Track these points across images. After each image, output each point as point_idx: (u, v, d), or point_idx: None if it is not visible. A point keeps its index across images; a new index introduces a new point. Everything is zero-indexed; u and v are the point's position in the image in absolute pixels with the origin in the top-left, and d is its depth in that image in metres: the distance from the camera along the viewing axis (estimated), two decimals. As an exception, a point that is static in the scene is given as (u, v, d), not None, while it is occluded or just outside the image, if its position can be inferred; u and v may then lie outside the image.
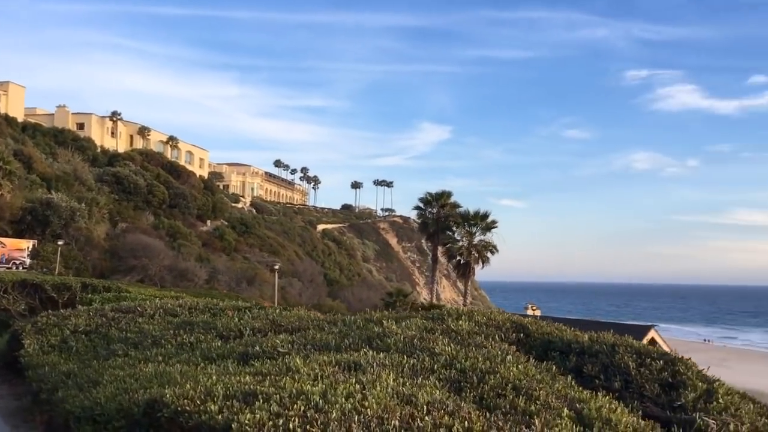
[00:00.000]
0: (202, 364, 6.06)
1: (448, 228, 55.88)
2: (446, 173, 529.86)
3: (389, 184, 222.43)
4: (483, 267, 54.55)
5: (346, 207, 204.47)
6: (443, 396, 4.25)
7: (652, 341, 28.89)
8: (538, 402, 4.54)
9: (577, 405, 4.64)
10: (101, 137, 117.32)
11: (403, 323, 7.16)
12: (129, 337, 7.78)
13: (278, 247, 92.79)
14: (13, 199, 60.05)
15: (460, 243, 53.43)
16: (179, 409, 3.81)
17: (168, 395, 4.04)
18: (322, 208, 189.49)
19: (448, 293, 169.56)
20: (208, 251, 74.52)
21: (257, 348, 6.44)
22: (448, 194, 57.72)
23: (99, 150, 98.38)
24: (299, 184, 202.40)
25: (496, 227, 53.06)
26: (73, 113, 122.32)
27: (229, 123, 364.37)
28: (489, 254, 53.18)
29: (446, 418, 3.66)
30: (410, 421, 3.54)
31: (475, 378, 4.93)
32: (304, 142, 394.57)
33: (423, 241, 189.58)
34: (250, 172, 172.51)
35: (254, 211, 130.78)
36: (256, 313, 9.07)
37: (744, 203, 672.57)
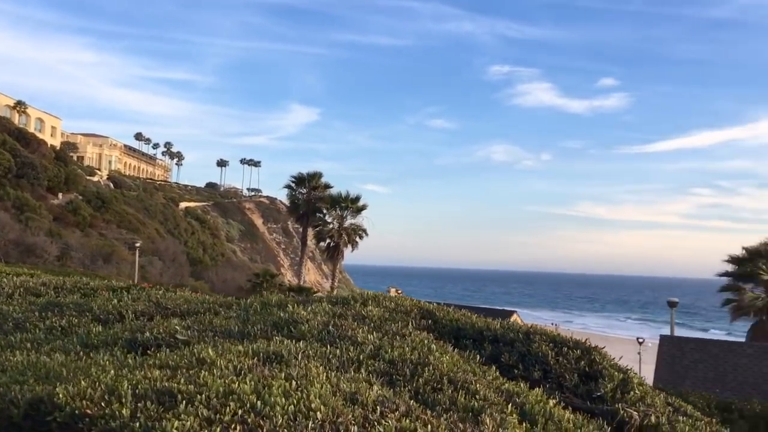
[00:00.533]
0: (82, 353, 5.22)
1: (318, 210, 55.42)
2: (313, 155, 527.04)
3: (256, 164, 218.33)
4: (352, 250, 54.65)
5: (211, 185, 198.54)
6: (385, 392, 3.80)
7: (517, 326, 30.27)
8: (477, 397, 4.21)
9: (516, 399, 4.37)
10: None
11: (309, 308, 6.62)
12: (-18, 320, 6.66)
13: (138, 224, 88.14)
14: None
15: (331, 225, 53.15)
16: (77, 412, 3.06)
17: (60, 394, 3.26)
18: (186, 186, 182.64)
19: (312, 276, 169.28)
20: (60, 226, 69.35)
21: (147, 334, 5.65)
22: (320, 175, 57.23)
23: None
24: (161, 160, 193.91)
25: (366, 212, 53.27)
26: None
27: (86, 91, 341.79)
28: (358, 238, 53.31)
29: (406, 421, 3.21)
30: (366, 426, 3.05)
31: (407, 370, 4.52)
32: (168, 116, 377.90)
33: (290, 222, 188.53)
34: (108, 144, 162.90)
35: (112, 185, 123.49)
36: (137, 294, 8.13)
37: (589, 197, 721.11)
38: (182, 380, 3.53)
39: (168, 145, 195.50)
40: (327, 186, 56.30)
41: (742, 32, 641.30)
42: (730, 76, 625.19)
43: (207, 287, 63.36)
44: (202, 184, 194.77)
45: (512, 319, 30.39)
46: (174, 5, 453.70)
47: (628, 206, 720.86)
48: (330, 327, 5.60)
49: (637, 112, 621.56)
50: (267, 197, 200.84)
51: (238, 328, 5.75)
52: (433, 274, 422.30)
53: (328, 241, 52.95)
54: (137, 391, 3.32)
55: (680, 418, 5.95)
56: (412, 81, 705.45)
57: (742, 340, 41.19)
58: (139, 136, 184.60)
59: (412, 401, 3.76)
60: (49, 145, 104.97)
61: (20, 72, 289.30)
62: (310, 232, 56.08)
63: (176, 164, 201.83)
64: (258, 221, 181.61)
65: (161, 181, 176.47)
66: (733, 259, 39.00)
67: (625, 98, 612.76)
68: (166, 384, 3.42)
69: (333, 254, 52.82)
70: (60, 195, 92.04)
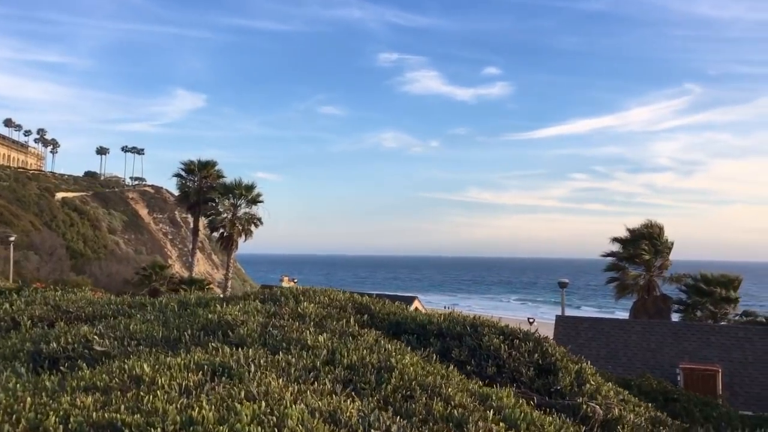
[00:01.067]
0: (-25, 372, 4.34)
1: (210, 199, 53.52)
2: (201, 143, 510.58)
3: (140, 151, 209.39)
4: (245, 240, 53.22)
5: (90, 174, 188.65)
6: (365, 408, 3.28)
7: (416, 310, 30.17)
8: (453, 404, 3.78)
9: (493, 404, 3.97)
10: None
11: (238, 306, 5.95)
12: None
13: (10, 216, 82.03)
14: None
15: (224, 215, 51.47)
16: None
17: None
18: (62, 175, 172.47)
19: (202, 266, 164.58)
20: None
21: (54, 345, 4.81)
22: (213, 164, 55.30)
23: None
24: (34, 147, 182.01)
25: (261, 201, 51.96)
26: None
27: None
28: (252, 227, 51.97)
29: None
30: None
31: (371, 377, 4.01)
32: (41, 101, 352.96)
33: (177, 212, 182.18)
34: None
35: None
36: (30, 296, 7.08)
37: (476, 182, 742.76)
38: (123, 408, 2.84)
39: (41, 131, 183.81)
40: (220, 175, 54.42)
41: (615, 24, 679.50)
42: (604, 66, 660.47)
43: (90, 282, 59.86)
44: (80, 173, 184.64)
45: (414, 306, 30.54)
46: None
47: (512, 191, 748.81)
48: (270, 329, 4.98)
49: (520, 101, 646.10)
50: (152, 186, 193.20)
51: (162, 333, 5.01)
52: (322, 262, 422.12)
53: (221, 230, 51.20)
54: (69, 426, 2.61)
55: (630, 407, 5.83)
56: (302, 67, 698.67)
57: (616, 317, 43.57)
58: (8, 123, 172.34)
59: (392, 415, 3.27)
60: None
61: None
62: (202, 222, 54.11)
63: (51, 152, 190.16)
64: (143, 211, 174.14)
65: (34, 170, 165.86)
66: (617, 240, 40.93)
67: (508, 87, 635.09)
68: (106, 415, 2.72)
69: (227, 244, 51.13)
70: None
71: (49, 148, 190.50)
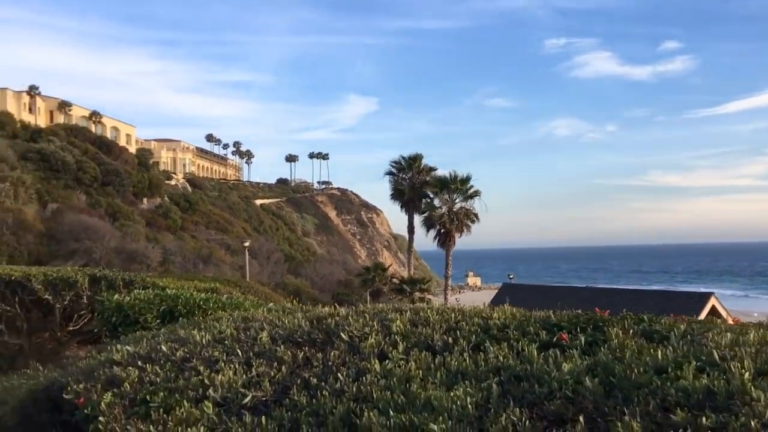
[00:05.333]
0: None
1: (424, 195, 51.91)
2: (374, 145, 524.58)
3: (324, 156, 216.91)
4: (460, 236, 50.89)
5: (282, 181, 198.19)
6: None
7: (714, 312, 25.58)
8: None
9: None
10: (18, 113, 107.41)
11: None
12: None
13: (225, 224, 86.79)
14: (-74, 180, 52.40)
15: (440, 210, 49.44)
16: None
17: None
18: (258, 183, 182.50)
19: (388, 264, 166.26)
20: (153, 231, 68.20)
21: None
22: (420, 158, 53.79)
23: (18, 125, 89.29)
24: (232, 159, 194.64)
25: (478, 195, 49.20)
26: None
27: (153, 99, 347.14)
28: (470, 222, 49.47)
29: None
30: None
31: None
32: (231, 118, 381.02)
33: (363, 212, 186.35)
34: (181, 148, 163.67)
35: (189, 187, 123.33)
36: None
37: (658, 165, 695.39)
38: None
39: (237, 144, 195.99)
40: (431, 169, 52.69)
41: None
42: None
43: (307, 284, 60.89)
44: (273, 181, 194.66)
45: (708, 306, 25.53)
46: (227, 8, 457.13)
47: (700, 171, 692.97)
48: None
49: (704, 74, 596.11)
50: (338, 189, 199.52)
51: None
52: (499, 256, 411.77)
53: (438, 227, 49.20)
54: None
55: None
56: (467, 62, 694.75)
57: None
58: (210, 138, 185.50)
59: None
60: (130, 151, 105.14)
61: (90, 85, 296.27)
62: (419, 219, 52.53)
63: (246, 163, 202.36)
64: (332, 213, 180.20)
65: (234, 180, 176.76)
66: None
67: (690, 61, 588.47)
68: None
69: (444, 241, 49.06)
70: (145, 200, 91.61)
71: (245, 159, 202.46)
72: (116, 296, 8.81)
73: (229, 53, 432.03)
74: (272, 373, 3.75)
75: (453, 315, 4.43)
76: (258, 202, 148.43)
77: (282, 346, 4.10)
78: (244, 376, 3.72)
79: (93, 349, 12.18)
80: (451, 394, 3.14)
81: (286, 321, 4.64)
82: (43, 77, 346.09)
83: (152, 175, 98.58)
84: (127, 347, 4.56)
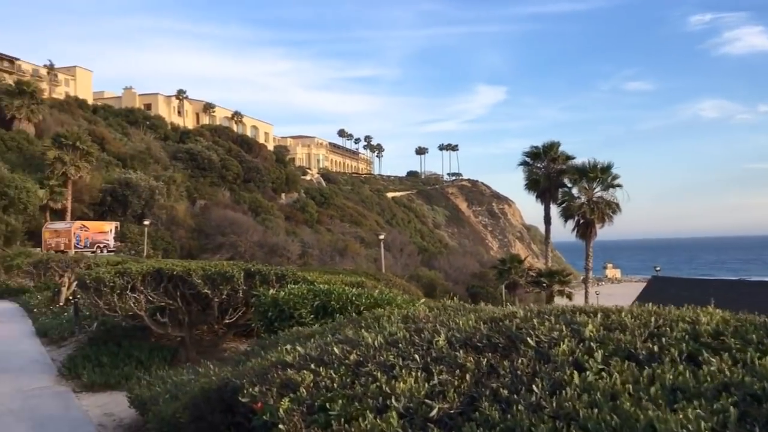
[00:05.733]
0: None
1: (561, 184, 50.09)
2: (503, 135, 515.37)
3: (454, 148, 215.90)
4: (602, 226, 48.67)
5: (412, 174, 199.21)
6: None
7: None
8: None
9: None
10: (168, 116, 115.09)
11: None
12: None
13: (359, 217, 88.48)
14: (92, 181, 57.23)
15: (579, 200, 47.49)
16: None
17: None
18: (388, 176, 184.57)
19: (522, 256, 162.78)
20: (292, 224, 70.74)
21: None
22: (557, 145, 51.93)
23: (169, 128, 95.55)
24: (363, 153, 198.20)
25: (620, 185, 46.78)
26: (140, 94, 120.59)
27: (286, 98, 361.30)
28: (611, 212, 47.15)
29: None
30: None
31: None
32: (361, 113, 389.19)
33: (494, 204, 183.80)
34: (315, 144, 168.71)
35: (323, 182, 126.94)
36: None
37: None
38: None
39: (368, 138, 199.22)
40: (568, 157, 50.74)
41: None
42: None
43: (441, 276, 60.78)
44: (403, 174, 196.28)
45: None
46: (354, 6, 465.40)
47: None
48: None
49: None
50: (468, 180, 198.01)
51: None
52: (635, 246, 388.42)
53: (576, 218, 47.29)
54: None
55: None
56: (603, 45, 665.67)
57: None
58: (341, 133, 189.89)
59: None
60: (269, 149, 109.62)
61: (230, 88, 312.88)
62: (556, 209, 50.80)
63: (377, 156, 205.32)
64: (462, 205, 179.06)
65: (365, 174, 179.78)
66: None
67: None
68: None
69: (585, 232, 47.08)
70: (283, 195, 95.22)
71: (375, 153, 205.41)
72: (271, 291, 8.89)
73: (357, 50, 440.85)
74: (456, 382, 3.44)
75: (653, 319, 3.91)
76: (389, 194, 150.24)
77: (461, 351, 3.79)
78: (426, 385, 3.43)
79: (247, 342, 12.52)
80: (678, 416, 2.68)
81: (460, 322, 4.33)
82: (189, 82, 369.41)
83: (289, 170, 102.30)
84: (299, 348, 4.41)
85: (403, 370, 3.67)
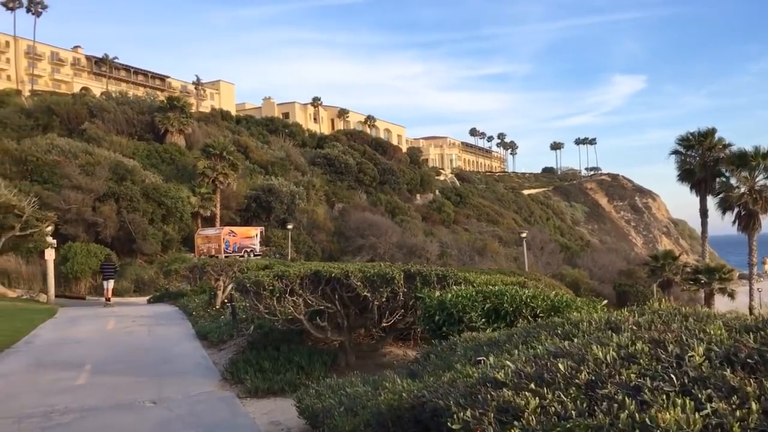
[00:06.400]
0: None
1: (718, 174, 46.26)
2: (644, 126, 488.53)
3: (591, 142, 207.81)
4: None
5: (548, 170, 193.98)
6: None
7: None
8: None
9: None
10: (305, 122, 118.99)
11: None
12: None
13: (496, 215, 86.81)
14: (238, 188, 59.84)
15: (739, 189, 43.57)
16: None
17: None
18: (523, 174, 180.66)
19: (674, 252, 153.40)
20: (428, 225, 70.51)
21: None
22: (713, 132, 48.08)
23: (306, 134, 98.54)
24: (496, 152, 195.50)
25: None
26: (278, 104, 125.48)
27: (417, 100, 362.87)
28: (778, 202, 42.88)
29: None
30: None
31: None
32: (493, 110, 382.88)
33: (636, 198, 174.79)
34: (447, 144, 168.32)
35: (457, 182, 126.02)
36: None
37: None
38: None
39: (501, 136, 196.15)
40: (726, 144, 46.81)
41: None
42: None
43: (585, 275, 58.12)
44: (538, 170, 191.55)
45: None
46: (483, 3, 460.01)
47: None
48: None
49: None
50: (608, 174, 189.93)
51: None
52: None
53: (737, 209, 43.41)
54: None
55: None
56: (747, 25, 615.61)
57: None
58: (473, 132, 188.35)
59: None
60: (402, 151, 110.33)
61: (362, 93, 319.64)
62: (713, 201, 47.01)
63: (510, 154, 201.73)
64: (602, 200, 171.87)
65: (499, 172, 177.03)
66: None
67: None
68: None
69: (747, 223, 43.12)
70: (418, 196, 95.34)
71: (509, 151, 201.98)
72: (437, 293, 8.30)
73: (487, 47, 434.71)
74: (738, 413, 2.63)
75: None
76: (525, 192, 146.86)
77: (728, 370, 2.96)
78: (697, 415, 2.65)
79: (404, 346, 12.05)
80: None
81: (711, 332, 3.47)
82: (323, 89, 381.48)
83: (423, 171, 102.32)
84: (508, 363, 3.73)
85: (656, 394, 2.89)
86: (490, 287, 8.18)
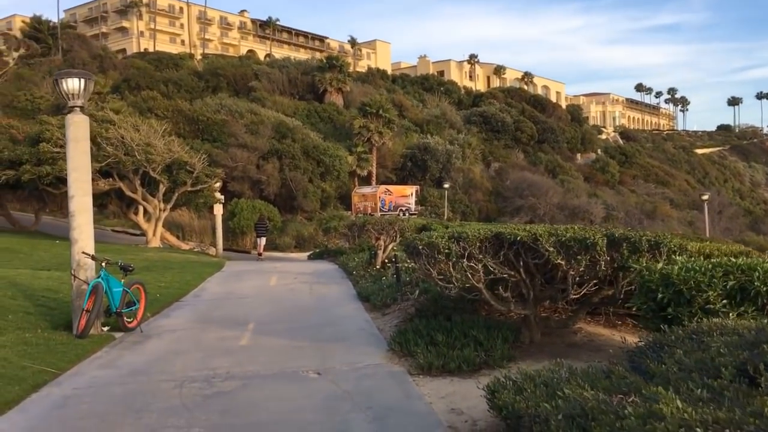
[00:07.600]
0: None
1: None
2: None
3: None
4: None
5: (723, 127, 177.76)
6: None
7: None
8: None
9: None
10: (460, 80, 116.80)
11: None
12: None
13: (666, 176, 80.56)
14: (394, 147, 59.53)
15: None
16: None
17: None
18: (695, 132, 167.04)
19: None
20: (591, 186, 66.64)
21: None
22: None
23: (462, 92, 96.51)
24: (664, 108, 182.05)
25: None
26: (433, 62, 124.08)
27: (578, 56, 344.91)
28: None
29: None
30: None
31: None
32: (661, 65, 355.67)
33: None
34: (610, 101, 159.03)
35: (620, 140, 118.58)
36: None
37: None
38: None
39: (672, 91, 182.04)
40: None
41: None
42: None
43: (772, 242, 52.22)
44: (712, 128, 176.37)
45: None
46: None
47: None
48: None
49: None
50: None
51: None
52: None
53: None
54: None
55: None
56: None
57: None
58: (639, 87, 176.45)
59: None
60: (562, 108, 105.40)
61: (519, 50, 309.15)
62: None
63: (681, 111, 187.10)
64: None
65: (667, 130, 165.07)
66: None
67: None
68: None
69: None
70: (579, 155, 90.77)
71: (678, 107, 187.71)
72: (659, 265, 6.66)
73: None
74: None
75: None
76: (697, 152, 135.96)
77: None
78: None
79: (593, 322, 10.45)
80: None
81: None
82: (479, 46, 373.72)
83: (584, 129, 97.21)
84: None
85: None
86: (733, 260, 6.40)
